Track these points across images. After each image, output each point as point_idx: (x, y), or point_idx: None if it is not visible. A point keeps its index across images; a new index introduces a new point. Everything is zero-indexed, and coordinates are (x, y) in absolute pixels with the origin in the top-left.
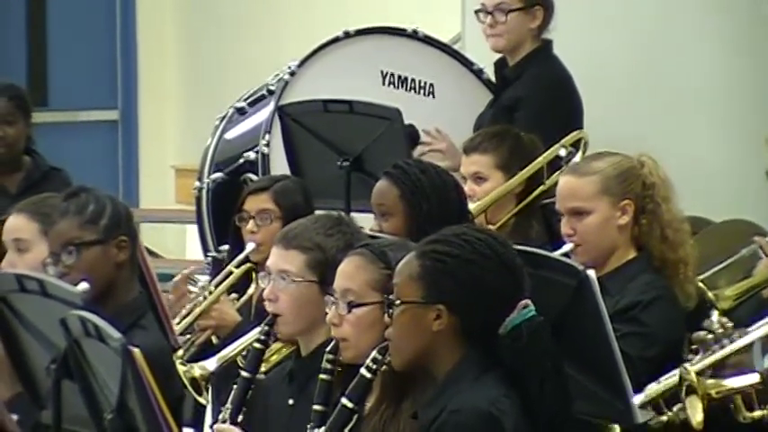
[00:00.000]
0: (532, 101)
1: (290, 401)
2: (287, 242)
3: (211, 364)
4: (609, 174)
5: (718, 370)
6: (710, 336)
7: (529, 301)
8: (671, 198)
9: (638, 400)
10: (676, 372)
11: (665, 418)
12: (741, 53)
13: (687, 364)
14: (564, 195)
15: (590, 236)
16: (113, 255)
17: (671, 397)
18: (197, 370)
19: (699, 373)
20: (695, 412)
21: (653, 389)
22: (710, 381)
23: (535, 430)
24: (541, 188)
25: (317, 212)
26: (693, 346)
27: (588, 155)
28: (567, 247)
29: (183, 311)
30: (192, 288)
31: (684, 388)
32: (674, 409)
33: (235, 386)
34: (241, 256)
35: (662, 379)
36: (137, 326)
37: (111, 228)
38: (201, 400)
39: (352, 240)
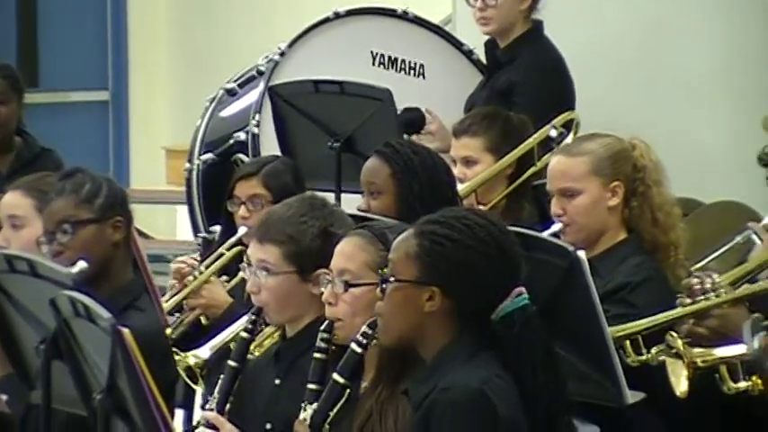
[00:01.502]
0: (529, 86)
1: (277, 381)
2: (261, 236)
3: (205, 352)
4: (600, 155)
5: (701, 319)
6: (698, 284)
7: (523, 289)
8: (662, 181)
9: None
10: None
11: (643, 357)
12: (735, 36)
13: (672, 332)
14: (554, 175)
15: (579, 216)
16: (109, 234)
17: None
18: (191, 358)
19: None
20: (680, 381)
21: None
22: (697, 349)
23: (530, 414)
24: (533, 169)
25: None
26: (679, 295)
27: (580, 136)
28: (555, 227)
29: (173, 291)
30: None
31: (669, 356)
32: (653, 350)
33: (222, 375)
34: (233, 240)
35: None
36: (133, 307)
37: (107, 207)
38: (197, 388)
39: (326, 223)
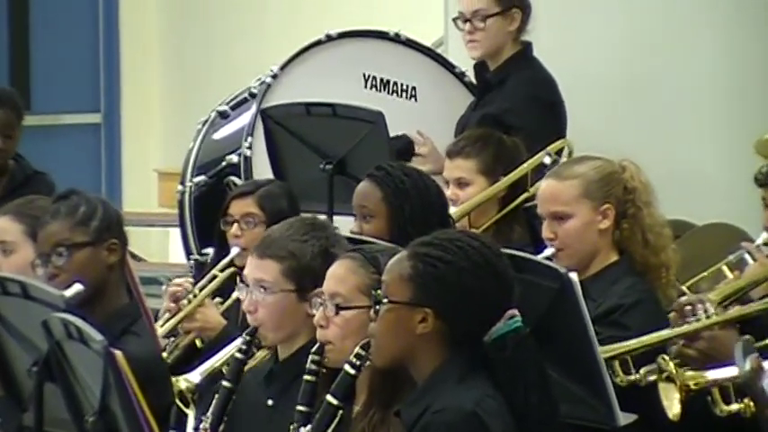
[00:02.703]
0: (520, 107)
1: (270, 402)
2: (261, 251)
3: (195, 376)
4: (590, 178)
5: (691, 341)
6: (689, 305)
7: (516, 312)
8: (652, 203)
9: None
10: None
11: (632, 378)
12: (728, 57)
13: (665, 355)
14: (545, 199)
15: (571, 240)
16: (104, 257)
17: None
18: (182, 382)
19: (676, 359)
20: (672, 404)
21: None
22: (689, 372)
23: None
24: (525, 195)
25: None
26: (671, 314)
27: (570, 159)
28: (548, 251)
29: (167, 314)
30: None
31: (662, 378)
32: (642, 370)
33: (216, 395)
34: (225, 261)
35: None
36: (129, 332)
37: (102, 230)
38: (189, 411)
39: (327, 244)
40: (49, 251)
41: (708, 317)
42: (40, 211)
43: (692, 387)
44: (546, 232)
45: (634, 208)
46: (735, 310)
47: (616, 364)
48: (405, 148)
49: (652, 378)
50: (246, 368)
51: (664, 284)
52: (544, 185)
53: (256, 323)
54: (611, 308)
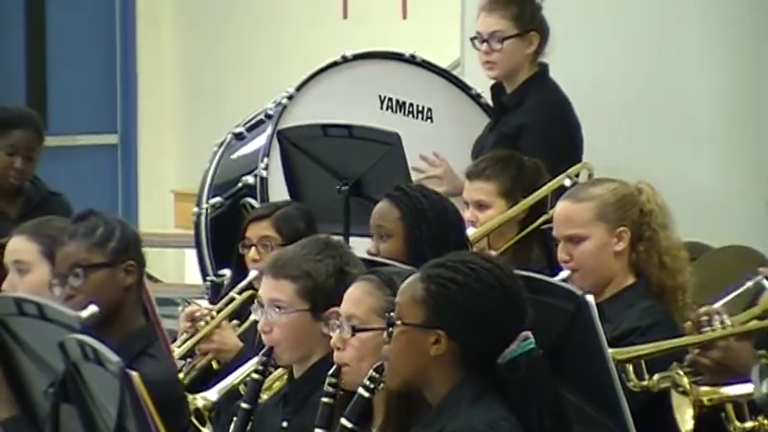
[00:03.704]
0: (535, 128)
1: (284, 424)
2: (276, 271)
3: (213, 394)
4: (605, 200)
5: (706, 350)
6: (705, 316)
7: (529, 333)
8: (669, 225)
9: None
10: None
11: (645, 383)
12: (744, 79)
13: (678, 369)
14: (560, 221)
15: (586, 262)
16: (121, 278)
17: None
18: (199, 401)
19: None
20: (685, 419)
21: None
22: (704, 388)
23: None
24: (545, 217)
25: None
26: (686, 325)
27: (586, 181)
28: (564, 274)
29: (185, 336)
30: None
31: (676, 394)
32: (656, 377)
33: (234, 417)
34: (243, 283)
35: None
36: (146, 354)
37: (120, 251)
38: (205, 430)
39: (341, 264)
40: (66, 272)
41: (724, 327)
42: (57, 231)
43: (706, 403)
44: (561, 254)
45: (650, 231)
46: (752, 323)
47: (630, 368)
48: None
49: (664, 385)
50: (264, 387)
51: (681, 307)
52: (559, 208)
53: (272, 343)
54: (628, 330)
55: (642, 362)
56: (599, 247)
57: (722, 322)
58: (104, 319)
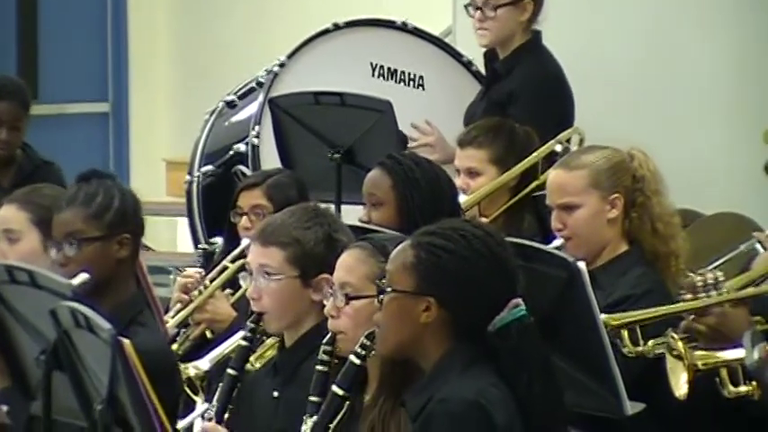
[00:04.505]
0: (525, 96)
1: (275, 393)
2: (265, 239)
3: (205, 364)
4: (598, 167)
5: (701, 316)
6: (701, 281)
7: (520, 301)
8: (661, 191)
9: None
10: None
11: (640, 348)
12: (739, 47)
13: (673, 333)
14: (553, 190)
15: (580, 230)
16: (114, 251)
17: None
18: (191, 370)
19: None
20: (679, 383)
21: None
22: (699, 352)
23: (527, 425)
24: (535, 183)
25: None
26: (682, 291)
27: (578, 149)
28: (557, 242)
29: (178, 306)
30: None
31: (670, 357)
32: (651, 342)
33: (221, 384)
34: (236, 252)
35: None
36: (136, 322)
37: (116, 224)
38: (198, 399)
39: (330, 231)
40: (61, 239)
41: (720, 293)
42: (47, 200)
43: (701, 367)
44: (555, 223)
45: (643, 197)
46: (748, 290)
47: (625, 334)
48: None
49: (659, 351)
50: (256, 356)
51: (674, 273)
52: (552, 176)
53: (261, 310)
54: (622, 298)
55: (637, 328)
56: (592, 215)
57: (716, 279)
58: (96, 287)
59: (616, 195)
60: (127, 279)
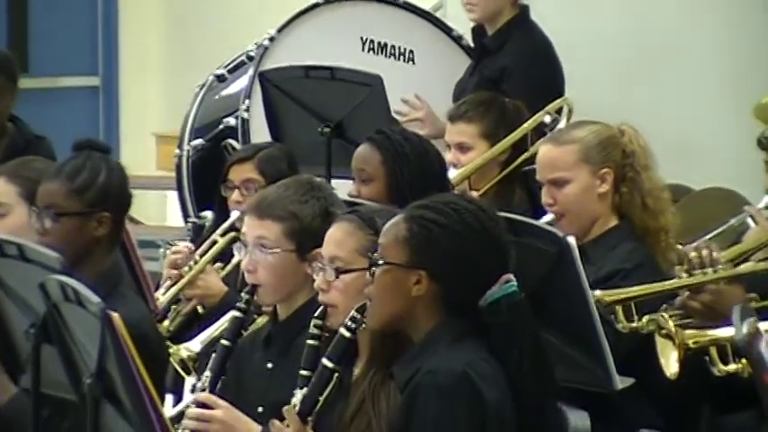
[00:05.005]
0: (518, 71)
1: (269, 365)
2: (261, 212)
3: (196, 345)
4: (588, 142)
5: (696, 293)
6: (696, 257)
7: (511, 276)
8: (651, 166)
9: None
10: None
11: (634, 324)
12: (728, 20)
13: (664, 312)
14: (543, 165)
15: (571, 205)
16: (92, 228)
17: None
18: (183, 351)
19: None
20: (669, 362)
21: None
22: (689, 331)
23: (517, 400)
24: (525, 155)
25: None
26: (677, 267)
27: (568, 124)
28: (548, 217)
29: (169, 282)
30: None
31: (660, 337)
32: (645, 318)
33: (214, 354)
34: (226, 225)
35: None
36: (113, 295)
37: (96, 202)
38: (191, 379)
39: (326, 205)
40: (42, 209)
41: (715, 270)
42: (36, 173)
43: (691, 345)
44: (545, 198)
45: (633, 172)
46: (744, 266)
47: (619, 310)
48: None
49: (653, 327)
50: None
51: (663, 248)
52: (542, 151)
53: (256, 282)
54: (612, 272)
55: (632, 304)
56: (583, 190)
57: (711, 255)
58: (71, 262)
59: (606, 170)
60: (104, 255)
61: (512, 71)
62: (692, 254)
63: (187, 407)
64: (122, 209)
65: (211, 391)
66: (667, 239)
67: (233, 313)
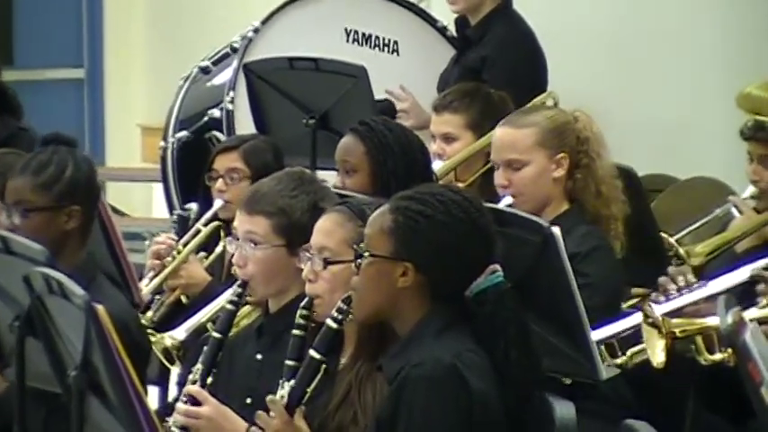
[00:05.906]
0: (499, 61)
1: (259, 356)
2: (251, 207)
3: (180, 333)
4: (545, 126)
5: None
6: (672, 284)
7: (497, 267)
8: (603, 154)
9: (595, 336)
10: (634, 314)
11: (618, 361)
12: (711, 8)
13: (650, 302)
14: (501, 147)
15: (526, 187)
16: (62, 222)
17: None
18: (167, 340)
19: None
20: (656, 352)
21: (610, 328)
22: (676, 320)
23: (504, 390)
24: None
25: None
26: (653, 295)
27: (524, 107)
28: (508, 199)
29: (152, 273)
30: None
31: (646, 326)
32: (629, 352)
33: (205, 347)
34: (209, 214)
35: (620, 322)
36: (91, 287)
37: (64, 196)
38: (174, 368)
39: (316, 198)
40: (11, 205)
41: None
42: (7, 168)
43: (678, 334)
44: (500, 179)
45: (587, 158)
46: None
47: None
48: (385, 111)
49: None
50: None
51: (612, 237)
52: (500, 133)
53: (246, 277)
54: (568, 256)
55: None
56: (539, 173)
57: (687, 282)
58: None
59: (562, 155)
60: (77, 248)
61: (493, 61)
62: (664, 279)
63: (176, 399)
64: (92, 201)
65: (202, 385)
66: (617, 228)
67: (225, 306)
